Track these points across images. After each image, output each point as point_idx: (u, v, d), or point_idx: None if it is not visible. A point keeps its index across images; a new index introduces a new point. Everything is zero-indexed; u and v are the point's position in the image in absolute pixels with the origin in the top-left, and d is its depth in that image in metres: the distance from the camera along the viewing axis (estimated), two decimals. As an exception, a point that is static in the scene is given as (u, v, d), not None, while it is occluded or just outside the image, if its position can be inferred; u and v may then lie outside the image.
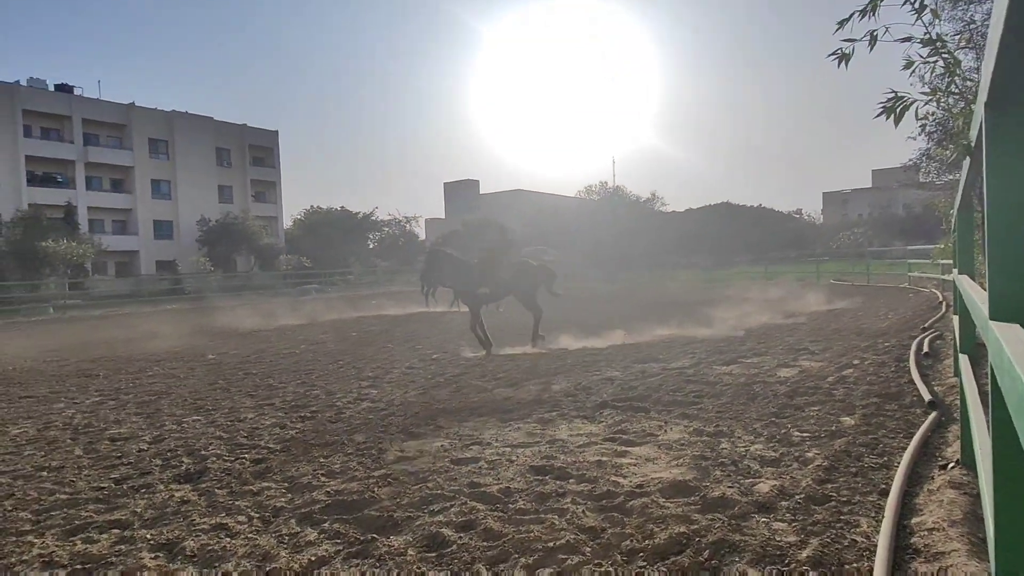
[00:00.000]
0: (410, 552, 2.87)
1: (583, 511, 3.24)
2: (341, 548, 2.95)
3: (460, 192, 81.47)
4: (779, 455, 4.04)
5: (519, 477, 3.82)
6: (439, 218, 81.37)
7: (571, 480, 3.72)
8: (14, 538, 3.21)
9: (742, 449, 4.20)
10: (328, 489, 3.72)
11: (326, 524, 3.23)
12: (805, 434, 4.50)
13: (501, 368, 8.11)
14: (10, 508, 3.65)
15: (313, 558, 2.85)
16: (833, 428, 4.62)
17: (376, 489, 3.68)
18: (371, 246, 57.52)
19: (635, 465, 3.98)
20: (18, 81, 43.69)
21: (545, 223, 57.84)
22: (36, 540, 3.16)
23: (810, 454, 4.03)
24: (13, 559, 2.96)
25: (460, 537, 2.99)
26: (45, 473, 4.34)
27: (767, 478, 3.62)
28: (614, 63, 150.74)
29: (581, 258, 44.31)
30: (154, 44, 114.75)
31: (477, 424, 5.27)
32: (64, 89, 46.31)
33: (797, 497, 3.29)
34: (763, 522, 3.01)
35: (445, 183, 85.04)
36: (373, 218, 56.75)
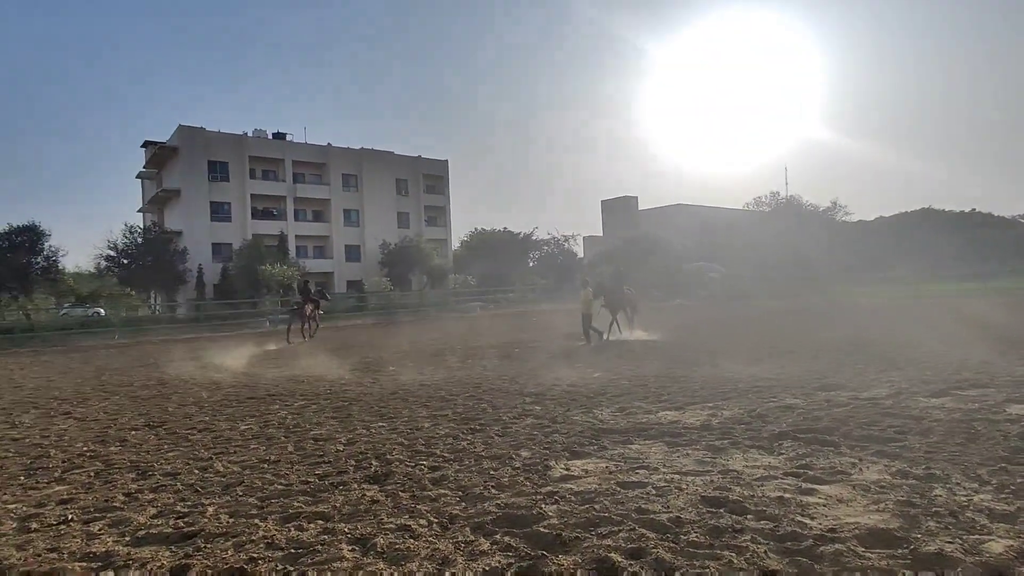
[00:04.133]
0: (579, 574, 2.85)
1: (764, 552, 2.97)
2: (513, 561, 3.03)
3: (618, 209, 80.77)
4: (1015, 510, 3.36)
5: (690, 507, 3.63)
6: (597, 235, 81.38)
7: (749, 516, 3.45)
8: (244, 519, 3.78)
9: (962, 498, 3.57)
10: (498, 501, 3.85)
11: (498, 536, 3.34)
12: (1051, 487, 3.70)
13: (665, 390, 7.82)
14: (240, 494, 4.31)
15: (487, 568, 2.96)
16: (1092, 482, 3.73)
17: (543, 506, 3.74)
18: (531, 264, 59.23)
19: (824, 506, 3.58)
20: (246, 132, 52.55)
21: (709, 237, 55.00)
22: (261, 524, 3.69)
23: (1060, 512, 3.29)
24: (243, 538, 3.48)
25: (630, 564, 2.91)
26: (266, 465, 5.06)
27: (1000, 536, 3.03)
28: (783, 61, 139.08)
29: (752, 274, 41.39)
30: (346, 94, 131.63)
31: (642, 447, 5.12)
32: (279, 136, 54.72)
33: (1044, 564, 2.71)
34: (997, 590, 2.52)
35: (602, 201, 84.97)
36: (533, 238, 58.55)
